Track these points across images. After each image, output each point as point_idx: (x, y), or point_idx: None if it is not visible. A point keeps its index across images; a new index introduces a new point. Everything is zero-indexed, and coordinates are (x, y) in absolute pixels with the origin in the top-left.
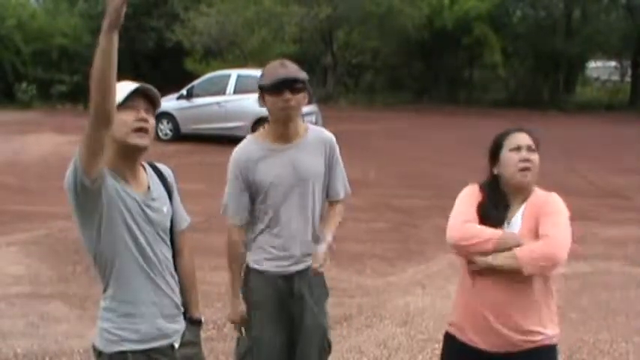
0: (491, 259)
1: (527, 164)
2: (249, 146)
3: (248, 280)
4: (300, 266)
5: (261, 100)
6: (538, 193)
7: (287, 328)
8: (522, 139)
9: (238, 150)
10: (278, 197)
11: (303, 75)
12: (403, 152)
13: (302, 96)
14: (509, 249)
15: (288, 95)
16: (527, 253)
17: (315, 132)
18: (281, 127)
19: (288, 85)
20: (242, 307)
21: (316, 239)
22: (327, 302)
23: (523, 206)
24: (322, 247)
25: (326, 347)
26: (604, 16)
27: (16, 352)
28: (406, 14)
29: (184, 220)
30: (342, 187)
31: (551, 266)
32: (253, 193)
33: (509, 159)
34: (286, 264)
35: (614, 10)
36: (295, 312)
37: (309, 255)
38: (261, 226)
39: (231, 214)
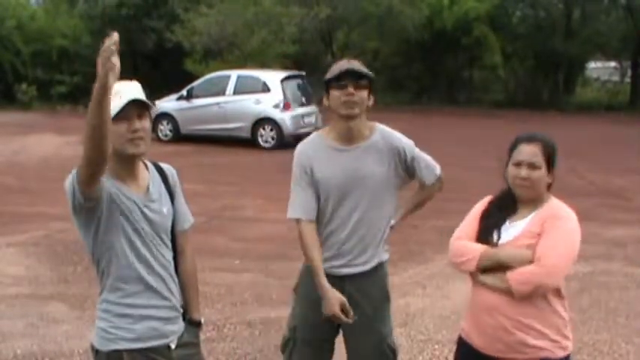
0: (486, 280)
1: (523, 183)
2: (313, 142)
3: (301, 274)
4: (353, 270)
5: (326, 98)
6: (553, 205)
7: (333, 328)
8: (526, 153)
9: (302, 145)
10: (334, 198)
11: (368, 72)
12: None
13: (366, 93)
14: (505, 268)
15: (350, 89)
16: (517, 277)
17: (384, 135)
18: (344, 126)
19: (351, 77)
20: (335, 293)
21: (377, 245)
22: (390, 307)
23: (534, 213)
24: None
25: (388, 353)
26: (604, 17)
27: (16, 353)
28: (406, 15)
29: (187, 220)
30: (429, 174)
31: (540, 291)
32: (317, 189)
33: (510, 173)
34: (337, 264)
35: (613, 10)
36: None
37: (365, 259)
38: (319, 224)
39: (294, 209)
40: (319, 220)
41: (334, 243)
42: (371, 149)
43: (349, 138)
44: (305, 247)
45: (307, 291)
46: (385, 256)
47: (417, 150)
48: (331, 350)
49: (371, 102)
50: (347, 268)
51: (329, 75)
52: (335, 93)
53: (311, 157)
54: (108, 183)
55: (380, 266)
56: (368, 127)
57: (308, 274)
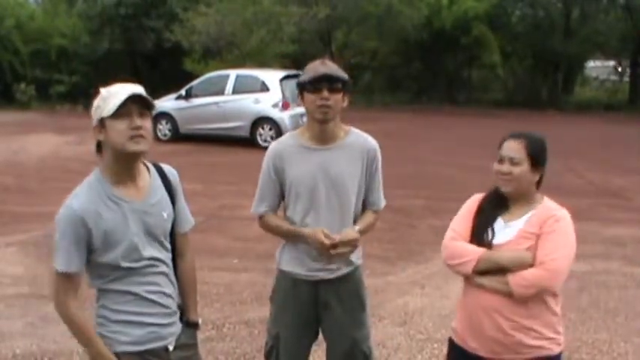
0: (484, 281)
1: (504, 177)
2: (286, 141)
3: (277, 280)
4: (327, 274)
5: (300, 99)
6: (548, 205)
7: (311, 331)
8: (508, 150)
9: (275, 144)
10: (305, 198)
11: (343, 75)
12: (402, 152)
13: (341, 96)
14: (502, 269)
15: (325, 93)
16: (519, 280)
17: (357, 137)
18: (318, 127)
19: (326, 82)
20: (313, 228)
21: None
22: (365, 313)
23: (529, 213)
24: (352, 229)
25: (360, 358)
26: (603, 16)
27: (15, 353)
28: (405, 14)
29: (188, 222)
30: (380, 197)
31: (541, 294)
32: (282, 188)
33: (494, 168)
34: (312, 268)
35: (612, 10)
36: (322, 320)
37: (339, 264)
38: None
39: (256, 204)
40: (294, 223)
41: (307, 247)
42: (345, 149)
43: (323, 139)
44: (276, 227)
45: (284, 297)
46: (359, 262)
47: (380, 165)
48: (309, 352)
49: (345, 103)
50: (321, 272)
51: (303, 77)
52: (309, 97)
53: (283, 158)
54: (97, 221)
55: (354, 271)
56: (342, 129)
57: (283, 280)
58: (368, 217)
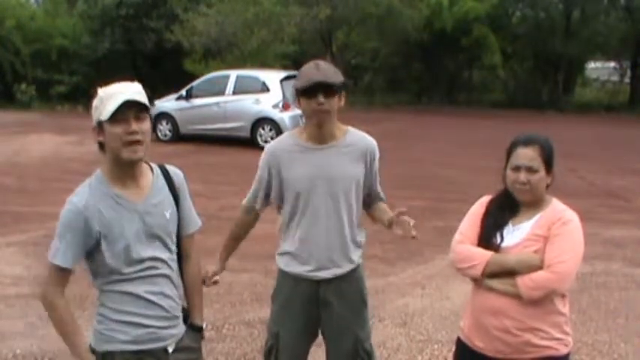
0: (493, 284)
1: (523, 187)
2: (284, 140)
3: (278, 280)
4: (326, 274)
5: (297, 102)
6: (556, 207)
7: (311, 330)
8: (523, 157)
9: (273, 144)
10: (303, 198)
11: (337, 78)
12: (402, 153)
13: (336, 99)
14: (512, 272)
15: (321, 99)
16: (527, 283)
17: (355, 136)
18: (315, 129)
19: (321, 88)
20: (216, 268)
21: (348, 247)
22: (367, 311)
23: (538, 215)
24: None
25: (363, 356)
26: (603, 17)
27: (15, 353)
28: (405, 15)
29: (194, 223)
30: (379, 190)
31: (550, 296)
32: (279, 188)
33: (509, 177)
34: (310, 268)
35: (613, 11)
36: (323, 319)
37: (337, 262)
38: (290, 227)
39: (247, 197)
40: (291, 225)
41: (307, 246)
42: (343, 149)
43: (321, 139)
44: (233, 226)
45: (286, 296)
46: (359, 260)
47: (377, 162)
48: (308, 352)
49: (342, 102)
50: (322, 271)
51: (299, 84)
52: (305, 102)
53: (279, 158)
54: (98, 217)
55: (355, 269)
56: (340, 129)
57: (285, 279)
58: (385, 206)
